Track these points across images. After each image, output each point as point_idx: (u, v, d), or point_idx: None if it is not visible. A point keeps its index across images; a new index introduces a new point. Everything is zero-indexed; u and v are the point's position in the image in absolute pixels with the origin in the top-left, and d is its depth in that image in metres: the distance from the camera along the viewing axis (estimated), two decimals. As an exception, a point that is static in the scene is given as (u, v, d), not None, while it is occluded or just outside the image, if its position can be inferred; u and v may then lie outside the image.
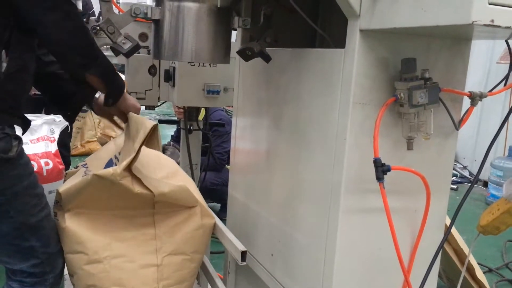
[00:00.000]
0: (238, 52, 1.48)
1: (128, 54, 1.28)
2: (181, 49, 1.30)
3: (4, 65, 1.34)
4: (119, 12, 1.33)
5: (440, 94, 1.22)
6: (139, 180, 1.49)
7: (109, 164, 1.67)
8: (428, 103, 1.17)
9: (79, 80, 1.47)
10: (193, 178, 2.44)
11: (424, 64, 1.21)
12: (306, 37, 1.78)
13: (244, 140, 1.86)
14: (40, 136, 3.33)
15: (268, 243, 1.66)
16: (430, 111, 1.20)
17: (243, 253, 1.52)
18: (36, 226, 1.49)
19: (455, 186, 5.30)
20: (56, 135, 3.43)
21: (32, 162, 3.16)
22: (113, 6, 1.33)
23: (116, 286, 1.50)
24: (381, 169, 1.12)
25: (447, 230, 1.37)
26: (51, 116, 3.53)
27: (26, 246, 1.47)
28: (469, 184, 5.45)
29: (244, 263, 1.54)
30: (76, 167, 1.78)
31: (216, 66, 2.18)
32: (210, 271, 1.83)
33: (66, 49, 1.33)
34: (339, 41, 1.26)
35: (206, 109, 2.50)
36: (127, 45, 1.27)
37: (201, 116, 3.10)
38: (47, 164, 3.22)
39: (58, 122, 3.49)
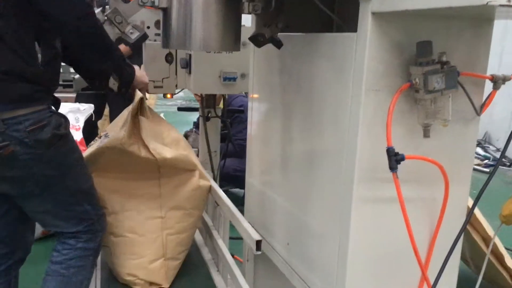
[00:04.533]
0: (250, 39, 1.45)
1: (135, 44, 1.26)
2: (189, 38, 1.27)
3: (39, 56, 1.43)
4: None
5: (459, 78, 1.16)
6: (145, 146, 1.77)
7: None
8: (445, 88, 1.11)
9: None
10: (211, 165, 2.44)
11: (442, 47, 1.15)
12: (322, 22, 1.72)
13: (260, 127, 1.83)
14: (65, 125, 3.39)
15: (284, 231, 1.64)
16: (448, 97, 1.14)
17: (258, 243, 1.51)
18: (88, 192, 1.67)
19: (487, 169, 5.13)
20: (81, 123, 3.50)
21: (58, 151, 3.26)
22: (121, -5, 1.31)
23: (129, 232, 1.86)
24: (394, 159, 1.08)
25: (469, 214, 1.30)
26: (76, 105, 3.59)
27: (81, 210, 1.64)
28: (504, 167, 5.29)
29: (259, 252, 1.53)
30: (100, 136, 1.98)
31: (232, 52, 2.14)
32: (227, 259, 1.84)
33: (86, 51, 1.51)
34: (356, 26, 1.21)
35: (224, 96, 2.48)
36: (135, 35, 1.26)
37: (221, 104, 3.09)
38: (72, 152, 3.28)
39: (83, 110, 3.55)
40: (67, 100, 3.85)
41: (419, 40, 1.11)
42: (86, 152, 1.89)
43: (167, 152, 1.82)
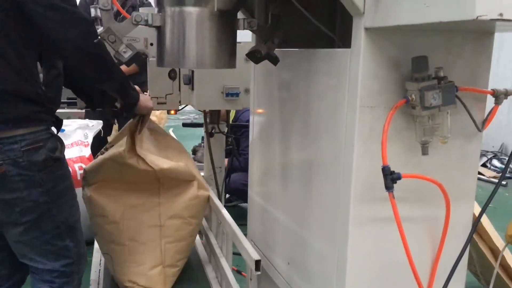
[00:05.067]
0: (247, 55, 1.43)
1: (128, 63, 1.25)
2: (182, 56, 1.26)
3: (41, 76, 1.44)
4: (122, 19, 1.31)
5: (459, 93, 1.12)
6: (143, 160, 1.82)
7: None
8: (442, 105, 1.07)
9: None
10: (216, 181, 2.42)
11: (441, 62, 1.12)
12: (324, 37, 1.70)
13: (260, 142, 1.81)
14: (74, 141, 3.42)
15: (285, 250, 1.61)
16: (446, 113, 1.10)
17: (257, 263, 1.48)
18: (73, 226, 1.61)
19: (504, 182, 5.01)
20: (90, 140, 3.52)
21: (66, 167, 3.27)
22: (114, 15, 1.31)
23: (129, 241, 1.91)
24: (390, 178, 1.04)
25: (474, 223, 1.25)
26: (85, 121, 3.62)
27: (61, 246, 1.56)
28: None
29: (259, 273, 1.50)
30: (105, 148, 2.04)
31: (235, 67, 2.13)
32: (229, 279, 1.80)
33: (86, 70, 1.49)
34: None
35: (227, 111, 2.46)
36: (127, 54, 1.25)
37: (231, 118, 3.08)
38: (81, 168, 3.30)
39: (91, 126, 3.57)
40: (78, 115, 3.89)
41: (415, 55, 1.08)
42: (91, 163, 1.97)
43: (164, 163, 1.88)
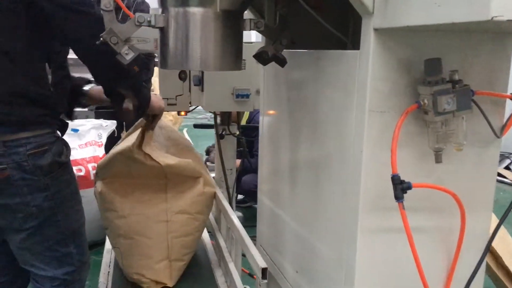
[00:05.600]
0: (254, 56, 1.39)
1: (129, 65, 1.22)
2: (185, 57, 1.22)
3: (50, 77, 1.41)
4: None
5: (475, 97, 1.05)
6: (151, 156, 1.87)
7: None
8: (457, 110, 1.01)
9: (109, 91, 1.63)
10: (226, 184, 2.38)
11: (456, 64, 1.05)
12: (334, 38, 1.64)
13: (269, 143, 1.76)
14: (88, 141, 3.42)
15: (293, 256, 1.56)
16: (462, 118, 1.04)
17: (264, 271, 1.43)
18: (77, 232, 1.57)
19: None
20: (104, 140, 3.52)
21: (80, 167, 3.28)
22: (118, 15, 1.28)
23: (137, 235, 1.95)
24: (400, 187, 0.98)
25: (490, 237, 1.19)
26: (99, 121, 3.62)
27: (65, 252, 1.52)
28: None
29: (265, 281, 1.45)
30: (117, 145, 2.09)
31: (245, 68, 2.09)
32: (237, 286, 1.76)
33: (101, 68, 1.47)
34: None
35: (239, 112, 2.42)
36: (130, 56, 1.22)
37: (244, 119, 3.04)
38: (94, 168, 3.30)
39: (105, 126, 3.58)
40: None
41: (428, 57, 1.02)
42: (103, 158, 2.04)
43: (171, 160, 1.93)
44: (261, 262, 1.46)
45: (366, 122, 1.05)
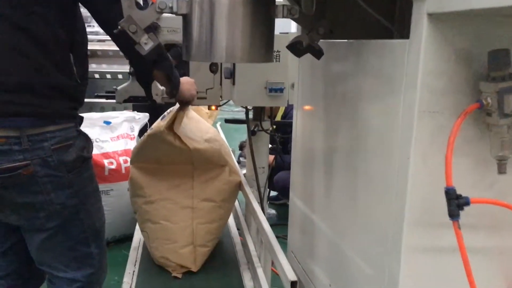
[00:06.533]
0: (288, 47, 1.25)
1: (148, 56, 1.11)
2: (210, 48, 1.10)
3: (75, 68, 1.35)
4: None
5: (549, 96, 0.88)
6: (180, 138, 1.90)
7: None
8: (528, 111, 0.84)
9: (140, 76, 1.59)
10: (257, 183, 2.26)
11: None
12: (377, 27, 1.48)
13: (303, 142, 1.63)
14: (120, 134, 3.38)
15: (327, 268, 1.42)
16: (532, 122, 0.87)
17: (293, 284, 1.30)
18: (99, 232, 1.52)
19: None
20: (136, 133, 3.47)
21: (111, 160, 3.24)
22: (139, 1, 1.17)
23: (163, 220, 2.00)
24: (455, 203, 0.83)
25: None
26: (132, 113, 3.57)
27: (86, 253, 1.46)
28: None
29: (295, 295, 1.32)
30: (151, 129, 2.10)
31: (279, 60, 1.95)
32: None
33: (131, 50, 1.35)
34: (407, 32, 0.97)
35: (272, 108, 2.28)
36: (149, 45, 1.10)
37: (279, 114, 2.90)
38: (125, 161, 3.26)
39: (138, 119, 3.52)
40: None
41: (492, 48, 0.86)
42: (137, 143, 2.12)
43: (199, 144, 1.96)
44: (290, 274, 1.33)
45: (415, 124, 0.90)
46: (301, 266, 1.63)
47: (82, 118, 1.49)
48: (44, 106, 1.30)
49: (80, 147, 1.38)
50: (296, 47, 1.24)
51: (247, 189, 2.08)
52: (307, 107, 1.57)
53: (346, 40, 1.23)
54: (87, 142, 1.45)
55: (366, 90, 1.12)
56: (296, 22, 1.32)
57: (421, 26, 0.87)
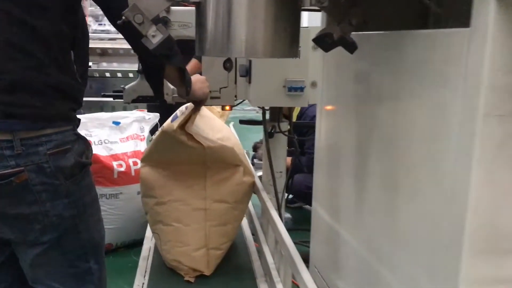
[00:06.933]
0: (314, 40, 1.09)
1: (157, 50, 0.96)
2: (227, 42, 0.95)
3: (75, 66, 1.21)
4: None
5: None
6: (193, 137, 1.82)
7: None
8: None
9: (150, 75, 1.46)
10: (275, 189, 2.11)
11: None
12: (413, 15, 1.32)
13: (329, 147, 1.47)
14: (129, 135, 3.24)
15: (356, 285, 1.27)
16: None
17: (320, 307, 1.15)
18: (98, 245, 1.37)
19: None
20: (146, 133, 3.33)
21: (120, 162, 3.10)
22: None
23: (175, 222, 1.93)
24: (534, 229, 0.67)
25: None
26: (141, 113, 3.44)
27: (85, 269, 1.32)
28: None
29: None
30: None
31: (299, 57, 1.79)
32: None
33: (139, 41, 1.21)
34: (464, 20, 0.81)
35: (290, 109, 2.12)
36: (157, 38, 0.96)
37: (294, 116, 2.74)
38: (135, 163, 3.12)
39: (148, 119, 3.39)
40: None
41: None
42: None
43: (213, 143, 1.89)
44: (315, 293, 1.17)
45: (479, 131, 0.74)
46: (325, 282, 1.49)
47: (79, 120, 1.35)
48: (41, 106, 1.16)
49: (78, 152, 1.24)
50: (324, 41, 1.08)
51: (264, 195, 1.93)
52: (332, 107, 1.42)
53: (383, 32, 1.07)
54: (86, 146, 1.30)
55: (409, 89, 0.96)
56: (324, 11, 1.16)
57: (486, 11, 0.71)
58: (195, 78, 1.61)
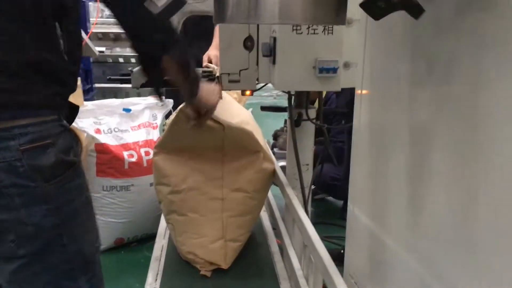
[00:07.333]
0: (362, 5, 0.86)
1: (163, 15, 0.74)
2: (255, 3, 0.72)
3: (61, 42, 1.00)
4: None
5: None
6: (212, 118, 1.70)
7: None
8: None
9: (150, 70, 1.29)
10: (301, 184, 1.89)
11: None
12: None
13: (371, 140, 1.24)
14: (141, 123, 3.03)
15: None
16: None
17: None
18: (90, 260, 1.15)
19: None
20: (159, 121, 3.13)
21: (131, 152, 2.90)
22: None
23: (190, 212, 1.86)
24: None
25: None
26: (154, 100, 3.23)
27: None
28: None
29: None
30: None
31: (332, 32, 1.55)
32: None
33: (146, 26, 1.13)
34: None
35: (319, 93, 1.89)
36: (162, 1, 0.74)
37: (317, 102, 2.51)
38: (147, 153, 2.93)
39: (161, 106, 3.18)
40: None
41: None
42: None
43: (232, 124, 1.77)
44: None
45: None
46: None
47: (76, 108, 1.14)
48: (14, 91, 0.95)
49: (63, 148, 1.03)
50: (376, 5, 0.85)
51: (289, 191, 1.72)
52: (377, 92, 1.18)
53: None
54: (75, 141, 1.09)
55: (495, 64, 0.72)
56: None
57: None
58: (203, 86, 1.41)
